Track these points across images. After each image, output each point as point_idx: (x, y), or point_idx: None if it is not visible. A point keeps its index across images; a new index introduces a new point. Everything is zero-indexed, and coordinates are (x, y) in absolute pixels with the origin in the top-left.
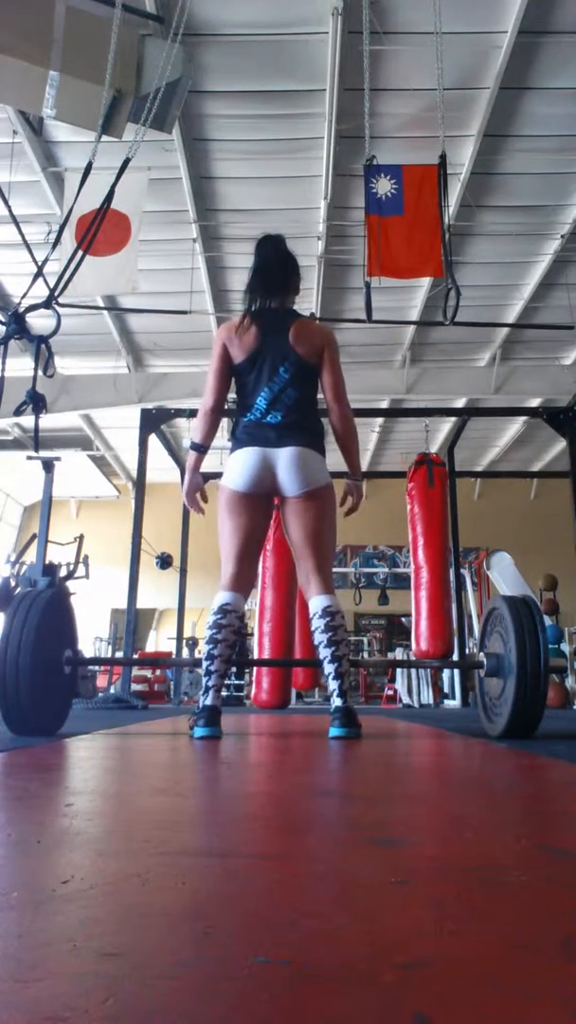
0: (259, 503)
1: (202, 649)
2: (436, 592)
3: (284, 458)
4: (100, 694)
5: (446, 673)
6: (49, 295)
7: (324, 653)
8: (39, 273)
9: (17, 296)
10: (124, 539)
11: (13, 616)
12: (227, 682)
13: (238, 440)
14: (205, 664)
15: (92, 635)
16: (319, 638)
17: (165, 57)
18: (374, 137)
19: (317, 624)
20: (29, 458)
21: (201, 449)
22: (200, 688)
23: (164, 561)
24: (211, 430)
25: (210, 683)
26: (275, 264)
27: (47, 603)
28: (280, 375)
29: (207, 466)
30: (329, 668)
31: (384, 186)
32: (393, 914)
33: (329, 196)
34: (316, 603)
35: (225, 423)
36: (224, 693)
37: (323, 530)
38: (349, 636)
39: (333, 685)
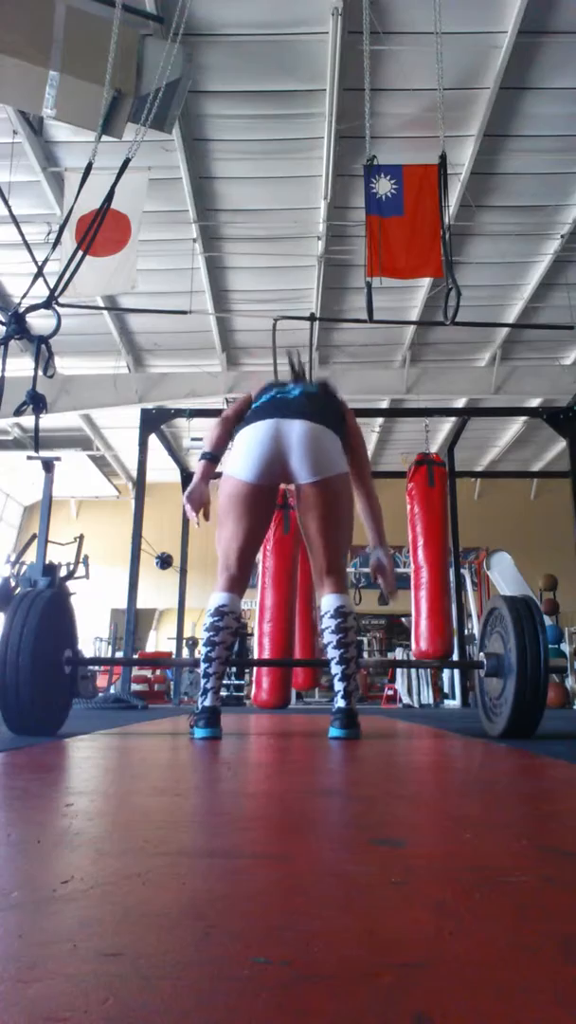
0: (265, 498)
1: (200, 650)
2: (436, 592)
3: (298, 433)
4: (100, 694)
5: (446, 673)
6: (49, 295)
7: (333, 654)
8: (39, 273)
9: (17, 296)
10: (124, 539)
11: (13, 616)
12: (227, 682)
13: (246, 420)
14: (203, 666)
15: (92, 635)
16: (329, 638)
17: (165, 57)
18: (374, 137)
19: (328, 624)
20: (29, 458)
21: (212, 458)
22: (199, 689)
23: (164, 561)
24: (225, 437)
25: (208, 684)
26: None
27: (47, 603)
28: (302, 383)
29: None
30: (337, 669)
31: (384, 186)
32: (393, 914)
33: (329, 196)
34: (329, 602)
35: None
36: (224, 693)
37: (340, 525)
38: (360, 638)
39: (339, 686)
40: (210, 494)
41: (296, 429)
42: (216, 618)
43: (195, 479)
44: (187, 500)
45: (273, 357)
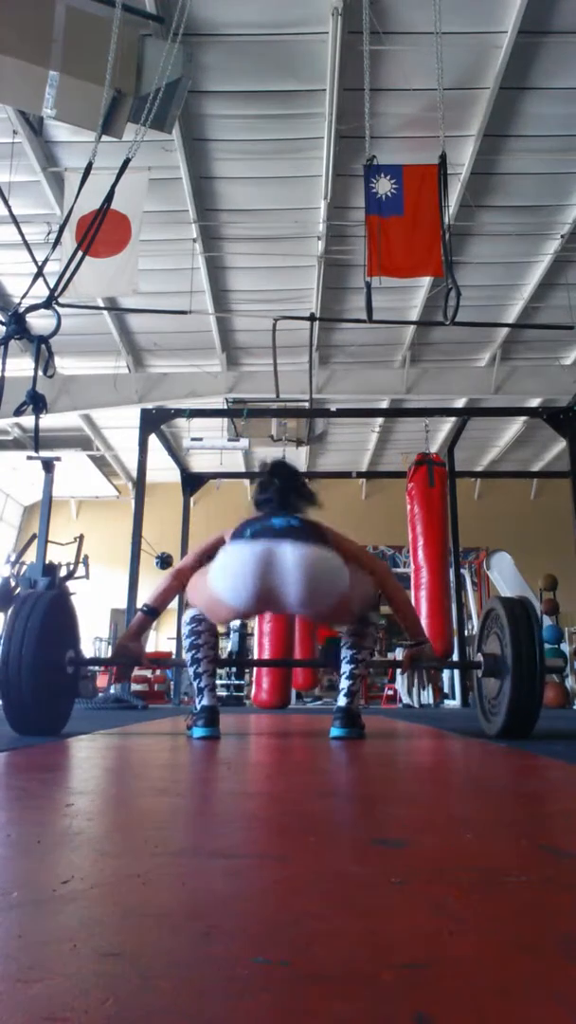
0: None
1: (185, 658)
2: (436, 592)
3: (292, 559)
4: (100, 694)
5: (446, 673)
6: (49, 295)
7: (346, 654)
8: (39, 273)
9: (17, 296)
10: (124, 539)
11: (16, 617)
12: (227, 682)
13: (234, 534)
14: (192, 669)
15: (92, 635)
16: (347, 639)
17: (165, 57)
18: (374, 137)
19: (351, 628)
20: (29, 458)
21: (150, 612)
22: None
23: (164, 561)
24: (173, 593)
25: (202, 684)
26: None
27: (51, 604)
28: (284, 515)
29: (207, 465)
30: (346, 668)
31: (384, 186)
32: (393, 914)
33: (329, 196)
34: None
35: (225, 422)
36: (224, 693)
37: (343, 618)
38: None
39: (344, 684)
40: (143, 648)
41: (289, 555)
42: (193, 624)
43: (126, 634)
44: (118, 653)
45: (273, 357)
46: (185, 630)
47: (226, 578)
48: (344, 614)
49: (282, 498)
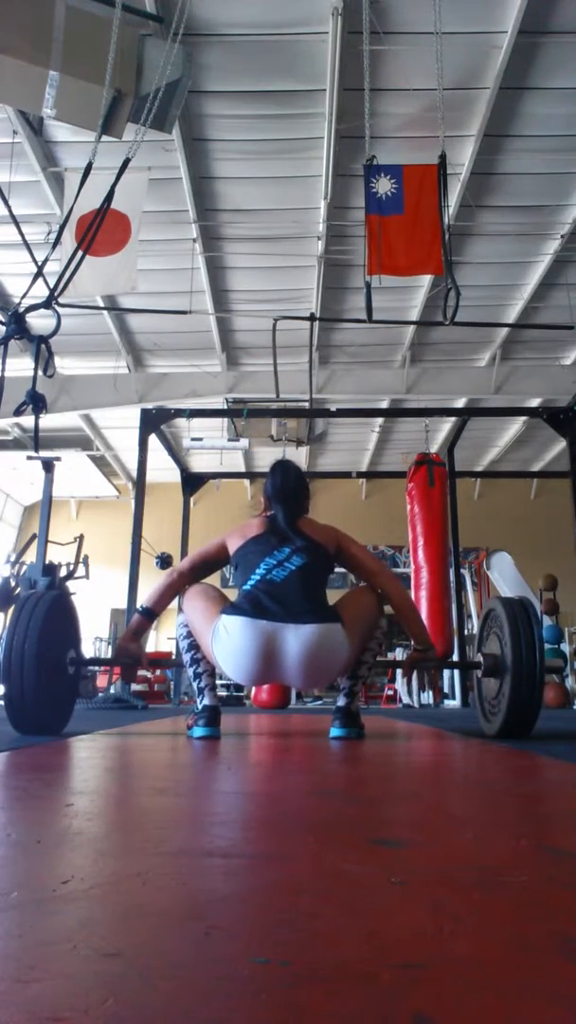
0: None
1: (184, 659)
2: (436, 592)
3: (293, 647)
4: (100, 694)
5: (446, 673)
6: (49, 295)
7: None
8: (39, 273)
9: (17, 296)
10: (124, 539)
11: (18, 617)
12: (228, 682)
13: (234, 606)
14: (192, 670)
15: (92, 635)
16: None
17: (165, 57)
18: (374, 137)
19: None
20: (29, 458)
21: (147, 614)
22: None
23: (164, 561)
24: (170, 597)
25: (202, 684)
26: (291, 491)
27: (52, 604)
28: (284, 550)
29: (207, 465)
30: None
31: (384, 186)
32: (393, 914)
33: (329, 196)
34: None
35: (225, 422)
36: (224, 693)
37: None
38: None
39: (345, 684)
40: (143, 649)
41: (291, 642)
42: (187, 628)
43: (125, 635)
44: (118, 654)
45: (273, 357)
46: (182, 631)
47: (228, 658)
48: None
49: (289, 506)
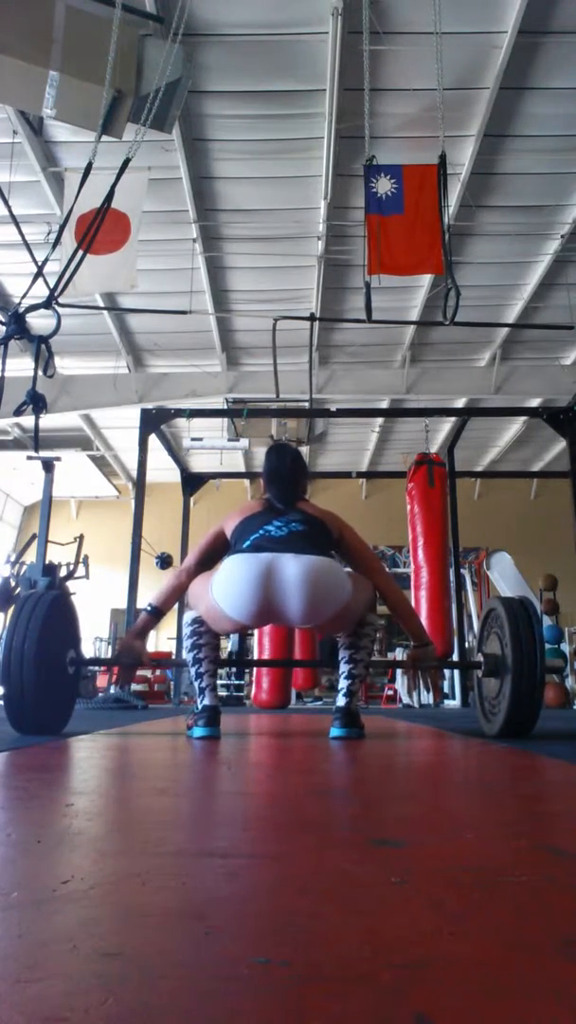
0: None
1: (187, 658)
2: (436, 592)
3: (293, 571)
4: (100, 694)
5: (446, 673)
6: (49, 295)
7: (344, 654)
8: (39, 273)
9: (17, 296)
10: (124, 539)
11: (18, 617)
12: (227, 682)
13: (233, 545)
14: (193, 669)
15: (92, 635)
16: (345, 640)
17: (165, 57)
18: (374, 137)
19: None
20: (29, 458)
21: (155, 613)
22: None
23: (164, 561)
24: (177, 594)
25: (203, 684)
26: (287, 472)
27: (52, 604)
28: (283, 519)
29: (207, 465)
30: (345, 668)
31: (384, 185)
32: (393, 914)
33: (329, 196)
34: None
35: (225, 422)
36: (224, 693)
37: (344, 625)
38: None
39: (343, 683)
40: (145, 649)
41: (291, 569)
42: (195, 625)
43: (130, 633)
44: (122, 651)
45: (273, 357)
46: (187, 631)
47: (228, 592)
48: (345, 623)
49: (285, 488)
